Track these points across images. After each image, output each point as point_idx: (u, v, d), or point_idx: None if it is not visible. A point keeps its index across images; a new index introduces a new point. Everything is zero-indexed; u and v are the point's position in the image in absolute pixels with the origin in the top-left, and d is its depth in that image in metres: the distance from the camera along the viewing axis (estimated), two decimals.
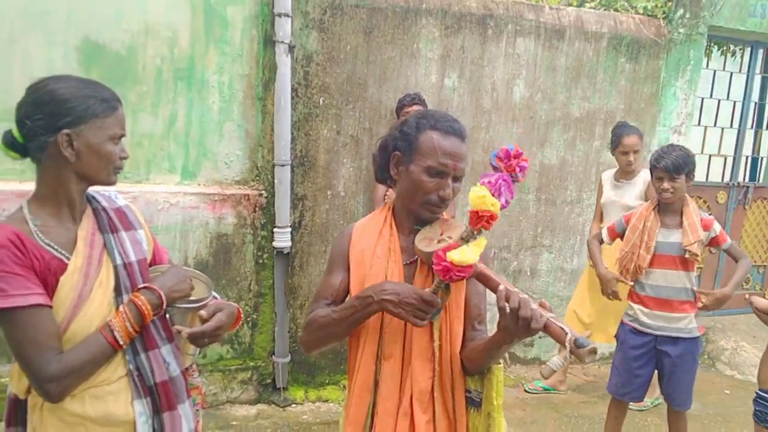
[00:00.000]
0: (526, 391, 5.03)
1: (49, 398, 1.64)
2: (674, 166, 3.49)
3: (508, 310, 1.60)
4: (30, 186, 1.75)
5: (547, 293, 5.52)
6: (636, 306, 3.75)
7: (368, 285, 1.87)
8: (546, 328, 1.58)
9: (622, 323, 3.88)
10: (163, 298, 1.76)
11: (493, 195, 1.72)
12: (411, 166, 1.86)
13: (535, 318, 1.57)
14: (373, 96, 4.65)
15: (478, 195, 1.72)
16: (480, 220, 1.72)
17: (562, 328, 1.55)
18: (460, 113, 4.96)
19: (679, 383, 3.68)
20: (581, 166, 5.50)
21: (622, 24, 5.41)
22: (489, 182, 1.73)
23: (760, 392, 3.70)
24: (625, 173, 4.77)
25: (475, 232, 1.74)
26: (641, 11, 5.58)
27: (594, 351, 1.51)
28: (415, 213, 1.91)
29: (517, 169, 1.76)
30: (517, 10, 5.04)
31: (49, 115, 1.66)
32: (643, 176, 4.70)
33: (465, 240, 1.74)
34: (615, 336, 3.99)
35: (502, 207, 1.75)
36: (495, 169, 1.77)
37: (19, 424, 1.80)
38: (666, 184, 3.53)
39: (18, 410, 1.79)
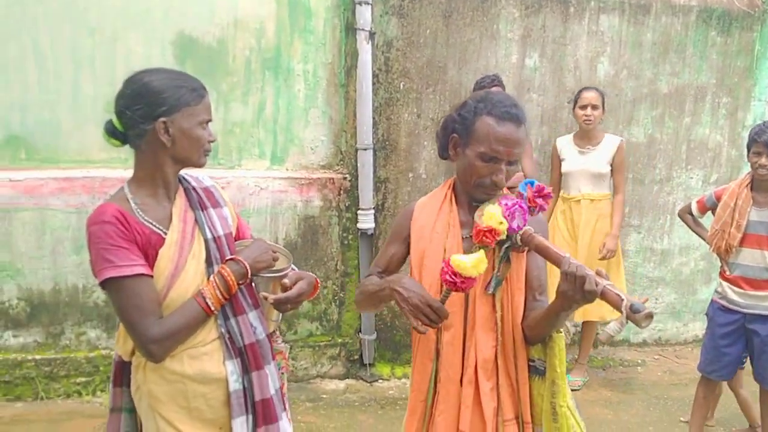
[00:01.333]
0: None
1: (153, 358, 1.82)
2: None
3: (566, 275, 1.68)
4: (132, 173, 1.94)
5: (636, 274, 5.43)
6: (725, 284, 3.67)
7: (428, 258, 1.99)
8: (602, 295, 1.63)
9: (711, 301, 3.81)
10: (248, 268, 1.91)
11: (505, 216, 1.82)
12: (467, 149, 1.93)
13: (590, 281, 1.63)
14: (453, 78, 4.71)
15: (490, 212, 1.82)
16: (479, 234, 1.82)
17: (618, 295, 1.60)
18: (541, 93, 4.95)
19: None
20: (671, 143, 5.36)
21: None
22: (506, 205, 1.84)
23: None
24: (588, 138, 4.63)
25: (477, 246, 1.84)
26: None
27: (650, 316, 1.56)
28: (470, 194, 1.99)
29: (537, 206, 1.89)
30: None
31: (147, 106, 1.83)
32: (612, 141, 4.63)
33: (468, 252, 1.85)
34: (705, 314, 3.91)
35: (512, 231, 1.84)
36: (520, 195, 1.90)
37: (124, 384, 2.00)
38: (764, 160, 3.41)
39: (123, 371, 2.00)
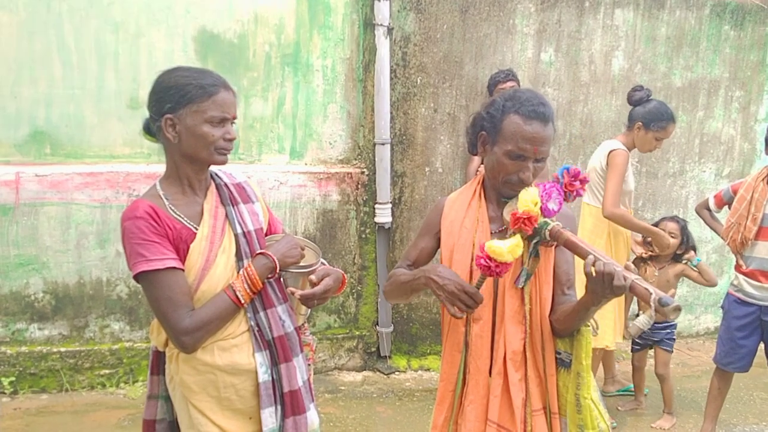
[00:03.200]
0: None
1: (184, 349, 1.87)
2: None
3: (594, 274, 1.71)
4: (155, 168, 1.98)
5: None
6: (741, 277, 3.71)
7: (457, 253, 2.03)
8: (631, 289, 1.66)
9: (727, 293, 3.85)
10: (277, 262, 1.95)
11: (542, 198, 1.85)
12: (495, 147, 1.97)
13: (618, 277, 1.66)
14: (470, 73, 4.75)
15: (528, 192, 1.86)
16: (517, 221, 1.85)
17: (647, 288, 1.64)
18: (556, 87, 4.98)
19: None
20: (684, 137, 5.40)
21: None
22: (543, 186, 1.88)
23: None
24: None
25: (514, 232, 1.87)
26: None
27: (678, 308, 1.60)
28: (498, 190, 2.04)
29: (573, 191, 1.92)
30: None
31: (157, 103, 1.89)
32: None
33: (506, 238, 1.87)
34: (721, 306, 3.96)
35: (548, 213, 1.87)
36: (557, 180, 1.92)
37: (161, 373, 2.06)
38: None
39: (160, 361, 2.06)
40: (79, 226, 4.16)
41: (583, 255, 1.78)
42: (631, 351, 4.42)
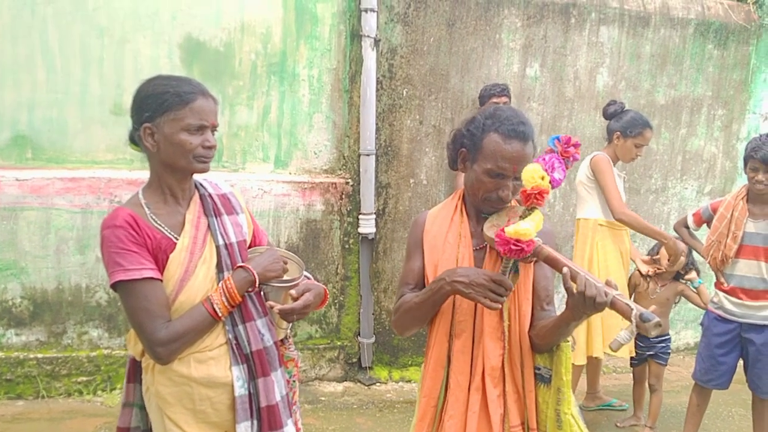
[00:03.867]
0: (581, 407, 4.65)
1: (159, 360, 1.86)
2: None
3: (574, 290, 1.72)
4: (137, 174, 1.97)
5: None
6: (722, 294, 3.73)
7: (441, 269, 2.01)
8: (612, 305, 1.68)
9: (707, 311, 3.88)
10: (257, 276, 1.94)
11: (545, 170, 1.85)
12: (474, 165, 1.98)
13: (600, 294, 1.68)
14: (456, 86, 4.77)
15: (530, 169, 1.85)
16: (529, 198, 1.85)
17: (627, 304, 1.66)
18: (541, 102, 5.02)
19: (764, 371, 3.64)
20: (666, 154, 5.45)
21: (710, 9, 5.31)
22: (543, 159, 1.89)
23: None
24: (618, 166, 4.16)
25: (528, 210, 1.87)
26: None
27: (659, 324, 1.61)
28: (477, 207, 2.04)
29: (570, 157, 1.92)
30: None
31: (137, 112, 1.89)
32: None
33: (522, 217, 1.87)
34: (700, 323, 3.98)
35: (555, 184, 1.87)
36: (551, 150, 1.93)
37: (137, 381, 2.04)
38: (761, 176, 3.47)
39: (136, 369, 2.03)
40: (59, 231, 4.11)
41: (562, 270, 1.79)
42: (630, 365, 4.45)
